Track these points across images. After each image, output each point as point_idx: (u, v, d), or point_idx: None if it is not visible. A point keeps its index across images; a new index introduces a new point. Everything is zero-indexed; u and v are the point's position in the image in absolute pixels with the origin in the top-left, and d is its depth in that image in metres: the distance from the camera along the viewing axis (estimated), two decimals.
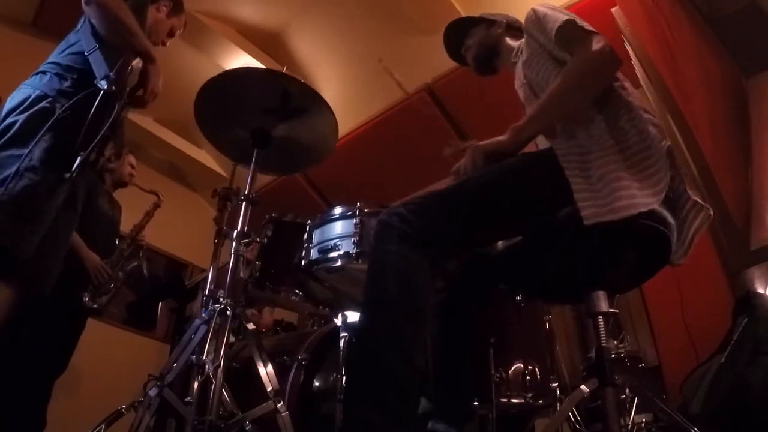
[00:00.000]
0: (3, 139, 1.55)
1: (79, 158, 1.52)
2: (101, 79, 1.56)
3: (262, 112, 1.97)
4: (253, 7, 3.88)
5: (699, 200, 1.30)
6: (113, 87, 1.54)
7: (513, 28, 1.72)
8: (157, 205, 3.31)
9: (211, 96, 1.97)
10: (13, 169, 1.49)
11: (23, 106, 1.59)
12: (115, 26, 1.64)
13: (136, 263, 3.11)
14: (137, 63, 1.64)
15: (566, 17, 1.36)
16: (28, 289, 1.62)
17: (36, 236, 1.54)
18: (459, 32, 1.79)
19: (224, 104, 1.99)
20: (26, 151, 1.51)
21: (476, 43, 1.73)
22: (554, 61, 1.44)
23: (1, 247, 1.47)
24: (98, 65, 1.60)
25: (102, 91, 1.54)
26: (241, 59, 3.99)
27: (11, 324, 1.62)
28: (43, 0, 3.51)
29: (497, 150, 1.34)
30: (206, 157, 4.94)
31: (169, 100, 3.42)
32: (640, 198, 1.18)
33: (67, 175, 1.53)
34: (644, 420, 2.28)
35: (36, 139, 1.53)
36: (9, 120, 1.58)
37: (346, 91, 4.14)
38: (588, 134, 1.32)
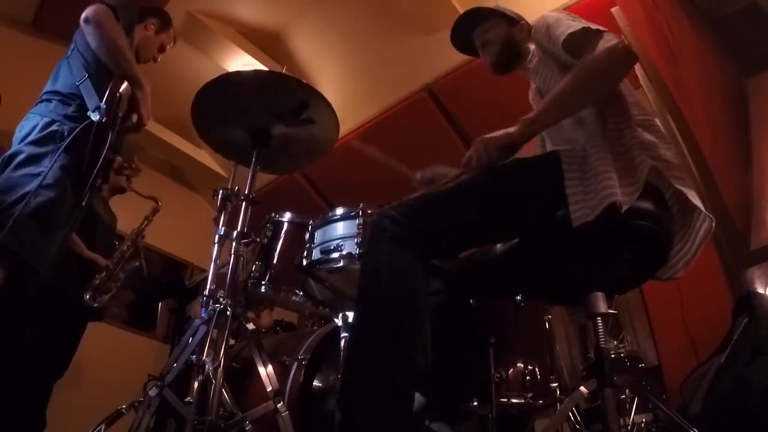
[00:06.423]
0: (17, 161, 1.67)
1: (87, 188, 1.63)
2: (92, 111, 1.65)
3: (265, 114, 1.97)
4: (253, 7, 3.88)
5: (705, 211, 1.31)
6: (104, 118, 1.63)
7: (529, 31, 1.65)
8: (156, 210, 3.31)
9: (209, 97, 1.96)
10: (30, 187, 1.60)
11: (34, 132, 1.71)
12: (109, 48, 1.72)
13: (137, 263, 3.12)
14: (125, 89, 1.71)
15: (582, 25, 1.36)
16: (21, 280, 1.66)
17: (52, 249, 1.65)
18: (471, 22, 1.71)
19: (223, 105, 1.99)
20: (41, 170, 1.63)
21: (501, 41, 1.65)
22: (560, 67, 1.44)
23: (23, 259, 1.56)
24: (89, 96, 1.70)
25: (95, 123, 1.63)
26: (241, 59, 3.98)
27: (12, 324, 1.66)
28: (43, 0, 3.51)
29: (508, 141, 1.32)
30: (206, 157, 4.93)
31: (169, 100, 3.42)
32: (620, 194, 1.19)
33: (80, 203, 1.66)
34: (644, 420, 2.28)
35: (49, 159, 1.65)
36: (21, 145, 1.70)
37: (346, 91, 4.13)
38: (587, 135, 1.34)
